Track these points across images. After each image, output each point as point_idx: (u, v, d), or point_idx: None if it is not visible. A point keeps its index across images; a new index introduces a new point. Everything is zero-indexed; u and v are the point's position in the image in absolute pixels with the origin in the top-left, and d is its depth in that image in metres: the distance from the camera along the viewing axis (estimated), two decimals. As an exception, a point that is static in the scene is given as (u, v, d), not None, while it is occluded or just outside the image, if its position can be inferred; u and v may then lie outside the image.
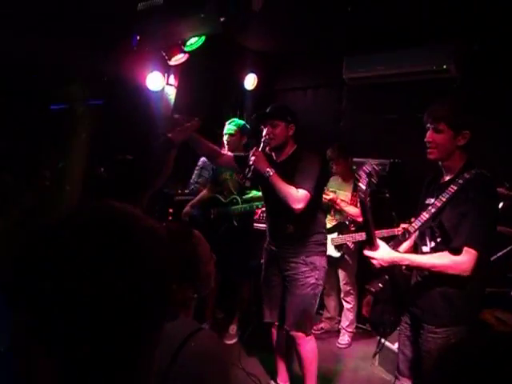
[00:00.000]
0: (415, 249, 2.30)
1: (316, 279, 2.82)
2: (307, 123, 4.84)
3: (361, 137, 4.67)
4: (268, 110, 2.83)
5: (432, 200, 2.11)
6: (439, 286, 2.03)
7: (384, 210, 3.74)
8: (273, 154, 2.90)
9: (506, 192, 3.33)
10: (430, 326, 2.03)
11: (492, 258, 3.41)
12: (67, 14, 3.10)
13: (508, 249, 3.25)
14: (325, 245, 2.93)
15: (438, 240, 2.04)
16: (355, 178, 3.87)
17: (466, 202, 1.93)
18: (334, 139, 4.41)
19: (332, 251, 3.82)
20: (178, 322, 1.27)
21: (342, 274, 4.06)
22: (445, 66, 4.01)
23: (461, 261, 1.89)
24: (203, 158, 4.17)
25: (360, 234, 3.67)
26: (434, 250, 2.06)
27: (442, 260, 1.94)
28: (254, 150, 2.71)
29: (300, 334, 2.84)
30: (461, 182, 1.98)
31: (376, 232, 2.19)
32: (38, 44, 3.54)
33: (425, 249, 2.13)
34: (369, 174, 2.01)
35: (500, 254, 3.26)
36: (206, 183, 4.25)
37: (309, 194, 2.60)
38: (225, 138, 3.86)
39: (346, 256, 3.95)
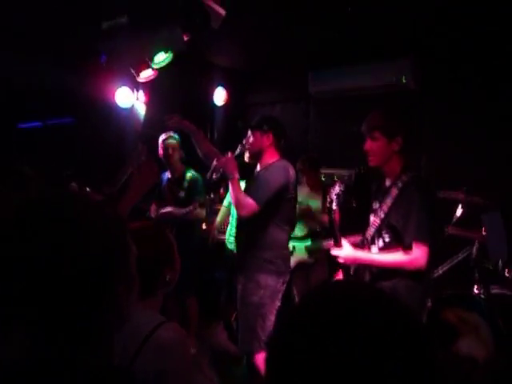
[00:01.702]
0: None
1: (260, 298, 2.63)
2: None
3: (328, 148, 4.83)
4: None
5: (377, 204, 2.26)
6: (389, 283, 2.14)
7: (351, 219, 3.85)
8: (258, 165, 2.89)
9: (463, 196, 3.49)
10: None
11: (453, 262, 3.57)
12: (33, 32, 3.14)
13: (466, 251, 3.40)
14: (274, 263, 2.70)
15: (387, 240, 2.18)
16: (324, 188, 4.03)
17: (408, 202, 2.10)
18: (303, 151, 4.54)
19: (305, 257, 3.94)
20: (147, 315, 1.38)
21: (314, 278, 4.15)
22: (404, 80, 4.21)
23: (415, 257, 2.04)
24: (161, 175, 4.19)
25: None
26: (383, 250, 2.18)
27: (399, 257, 2.08)
28: (228, 154, 2.78)
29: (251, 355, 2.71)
30: (400, 185, 2.14)
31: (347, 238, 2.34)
32: (6, 62, 3.57)
33: (374, 249, 2.25)
34: (338, 195, 2.24)
35: (460, 257, 3.40)
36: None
37: (254, 205, 2.59)
38: (168, 151, 3.91)
39: (319, 262, 4.07)
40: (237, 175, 2.69)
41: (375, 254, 2.21)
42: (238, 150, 2.84)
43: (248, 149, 2.83)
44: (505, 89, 3.84)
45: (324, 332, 0.57)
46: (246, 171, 2.92)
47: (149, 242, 1.49)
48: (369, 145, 2.22)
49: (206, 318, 4.24)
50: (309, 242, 3.99)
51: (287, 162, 2.83)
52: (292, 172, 2.78)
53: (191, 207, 3.84)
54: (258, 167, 2.89)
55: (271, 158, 2.82)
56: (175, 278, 1.57)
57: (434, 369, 0.60)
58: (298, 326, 0.60)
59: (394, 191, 2.16)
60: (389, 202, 2.16)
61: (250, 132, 2.84)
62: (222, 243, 4.26)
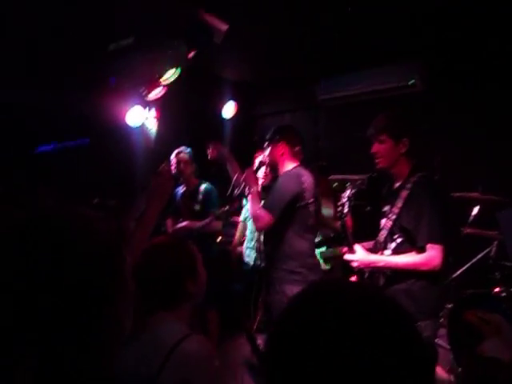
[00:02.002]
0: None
1: None
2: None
3: (339, 155, 4.84)
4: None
5: (388, 207, 2.25)
6: (402, 285, 2.13)
7: (366, 223, 3.84)
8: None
9: (479, 196, 3.46)
10: None
11: (472, 262, 3.53)
12: (45, 59, 3.25)
13: (486, 251, 3.35)
14: (299, 273, 2.67)
15: (398, 241, 2.16)
16: (335, 195, 4.02)
17: (418, 203, 2.09)
18: (315, 159, 4.55)
19: (322, 265, 3.92)
20: (172, 327, 1.41)
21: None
22: (412, 82, 4.20)
23: (430, 257, 2.03)
24: (175, 189, 4.24)
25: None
26: (395, 251, 2.17)
27: (414, 259, 2.07)
28: (247, 168, 2.88)
29: None
30: (409, 186, 2.13)
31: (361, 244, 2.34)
32: (20, 89, 3.69)
33: (387, 251, 2.23)
34: (349, 198, 2.28)
35: (479, 256, 3.36)
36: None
37: (268, 217, 2.58)
38: (180, 165, 3.97)
39: (335, 268, 4.05)
40: (256, 188, 2.75)
41: (389, 257, 2.19)
42: (257, 164, 2.97)
43: (267, 162, 2.92)
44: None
45: (309, 334, 0.58)
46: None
47: (169, 254, 1.52)
48: (376, 147, 2.24)
49: (227, 331, 4.24)
50: (323, 249, 3.97)
51: (302, 168, 2.83)
52: (306, 178, 2.75)
53: (207, 220, 3.85)
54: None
55: (288, 166, 2.84)
56: (199, 291, 1.57)
57: (425, 365, 0.60)
58: (287, 331, 0.62)
59: (404, 193, 2.15)
60: (399, 204, 2.15)
61: (267, 145, 2.91)
62: (240, 255, 4.28)
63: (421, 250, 2.06)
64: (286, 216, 2.65)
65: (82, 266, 0.71)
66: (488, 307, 2.95)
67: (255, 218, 2.68)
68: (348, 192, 2.29)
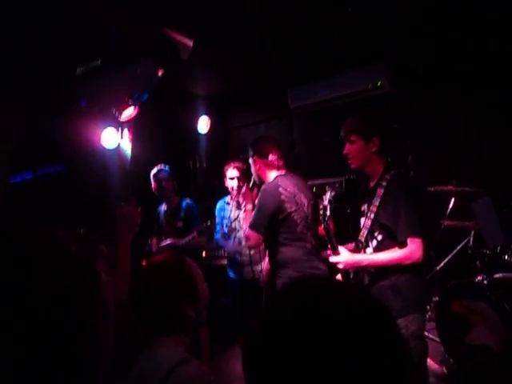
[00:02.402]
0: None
1: None
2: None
3: (316, 159, 4.90)
4: None
5: (365, 206, 2.30)
6: (386, 281, 2.16)
7: (347, 225, 3.88)
8: None
9: (454, 188, 3.54)
10: None
11: (453, 252, 3.60)
12: (15, 85, 3.22)
13: (464, 241, 3.43)
14: (293, 279, 2.79)
15: (379, 238, 2.20)
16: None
17: (394, 200, 2.13)
18: (292, 166, 4.58)
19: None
20: (169, 352, 1.34)
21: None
22: (379, 83, 4.31)
23: (412, 250, 2.06)
24: (158, 209, 4.23)
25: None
26: (377, 249, 2.20)
27: (396, 254, 2.10)
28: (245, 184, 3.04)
29: None
30: (384, 183, 2.17)
31: (344, 246, 2.36)
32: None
33: (368, 250, 2.26)
34: (330, 201, 2.28)
35: (459, 247, 3.43)
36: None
37: (254, 234, 2.67)
38: (161, 183, 3.94)
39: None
40: (249, 206, 2.93)
41: (373, 255, 2.22)
42: (252, 181, 3.06)
43: (254, 178, 3.00)
44: (478, 83, 3.93)
45: (285, 331, 0.59)
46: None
47: (166, 276, 1.43)
48: (347, 148, 2.28)
49: (219, 346, 4.21)
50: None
51: (283, 176, 2.84)
52: (284, 189, 2.74)
53: (190, 236, 3.84)
54: None
55: (270, 177, 2.87)
56: (200, 313, 1.47)
57: (402, 358, 0.61)
58: (264, 330, 0.63)
59: (380, 191, 2.19)
60: (376, 202, 2.19)
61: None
62: (224, 267, 4.28)
63: (402, 244, 2.09)
64: (272, 229, 2.72)
65: (50, 287, 0.66)
66: (472, 296, 3.01)
67: (246, 238, 2.83)
68: (328, 195, 2.32)
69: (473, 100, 3.96)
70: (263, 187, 2.80)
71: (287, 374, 0.57)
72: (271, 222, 2.68)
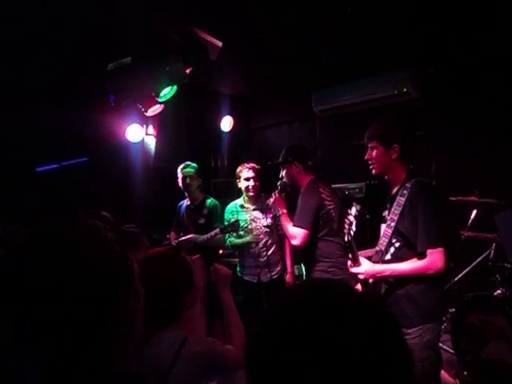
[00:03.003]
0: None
1: None
2: (285, 157, 5.09)
3: (337, 163, 4.88)
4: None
5: (386, 212, 2.28)
6: (403, 290, 2.15)
7: (365, 231, 3.86)
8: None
9: (476, 199, 3.50)
10: (402, 328, 2.12)
11: (472, 265, 3.55)
12: (44, 80, 3.32)
13: (485, 254, 3.38)
14: (331, 272, 2.95)
15: (397, 245, 2.19)
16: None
17: (414, 209, 2.11)
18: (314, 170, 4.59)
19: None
20: (171, 337, 1.43)
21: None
22: (405, 89, 4.27)
23: (433, 260, 2.04)
24: (179, 203, 4.28)
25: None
26: (394, 256, 2.19)
27: (417, 264, 2.08)
28: (275, 192, 3.18)
29: None
30: (405, 192, 2.16)
31: (362, 252, 2.37)
32: (22, 110, 3.75)
33: (387, 257, 2.25)
34: (356, 217, 2.27)
35: (479, 259, 3.38)
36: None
37: (301, 231, 2.85)
38: (186, 180, 3.98)
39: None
40: (284, 210, 3.06)
41: (394, 265, 2.20)
42: (279, 185, 3.19)
43: (285, 182, 3.16)
44: (505, 92, 3.86)
45: (287, 335, 0.60)
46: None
47: (167, 267, 1.50)
48: (368, 154, 2.30)
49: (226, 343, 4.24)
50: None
51: (317, 180, 3.07)
52: (323, 188, 3.00)
53: (213, 233, 3.87)
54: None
55: (305, 181, 3.08)
56: (195, 301, 1.57)
57: (404, 362, 0.62)
58: (265, 330, 0.65)
59: (401, 199, 2.17)
60: (396, 210, 2.17)
61: (281, 168, 3.19)
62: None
63: (421, 255, 2.07)
64: (314, 225, 2.92)
65: (95, 271, 0.75)
66: (490, 310, 2.97)
67: (292, 237, 2.94)
68: (354, 210, 2.31)
69: (499, 111, 3.89)
70: (304, 189, 3.02)
71: (286, 374, 0.58)
72: (314, 219, 2.88)
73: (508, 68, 3.84)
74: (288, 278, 3.88)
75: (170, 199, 4.33)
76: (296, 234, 2.88)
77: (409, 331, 2.09)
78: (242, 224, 3.90)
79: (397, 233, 2.18)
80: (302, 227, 2.86)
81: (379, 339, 0.61)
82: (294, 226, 2.91)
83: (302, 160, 3.09)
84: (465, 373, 3.08)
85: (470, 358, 3.04)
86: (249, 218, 3.90)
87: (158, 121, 4.56)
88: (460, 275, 3.65)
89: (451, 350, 3.25)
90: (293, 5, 3.19)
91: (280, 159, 3.19)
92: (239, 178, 3.89)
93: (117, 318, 0.77)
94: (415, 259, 2.09)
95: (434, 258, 2.04)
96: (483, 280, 3.29)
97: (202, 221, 4.04)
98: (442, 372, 3.12)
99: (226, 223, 3.86)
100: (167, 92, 3.65)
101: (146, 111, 3.83)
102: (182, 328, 1.49)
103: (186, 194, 4.10)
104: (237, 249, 3.98)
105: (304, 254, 3.11)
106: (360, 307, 0.64)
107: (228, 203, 4.52)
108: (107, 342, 0.76)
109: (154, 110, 3.84)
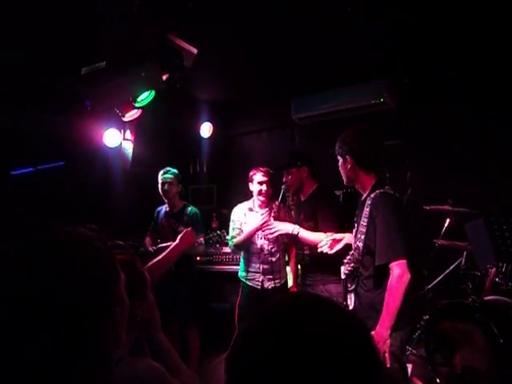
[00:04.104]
0: None
1: None
2: (264, 163, 5.09)
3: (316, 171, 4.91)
4: (284, 162, 3.29)
5: (355, 219, 2.32)
6: (368, 299, 2.17)
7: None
8: (301, 195, 3.28)
9: (450, 208, 3.56)
10: None
11: (444, 273, 3.61)
12: (19, 81, 3.26)
13: (457, 262, 3.44)
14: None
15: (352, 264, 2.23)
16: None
17: (374, 222, 2.13)
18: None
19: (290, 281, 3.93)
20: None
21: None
22: (382, 99, 4.34)
23: (398, 275, 2.02)
24: (158, 208, 4.24)
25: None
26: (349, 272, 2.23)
27: (391, 290, 2.05)
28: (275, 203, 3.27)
29: None
30: (369, 202, 2.17)
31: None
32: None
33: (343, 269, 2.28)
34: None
35: (451, 267, 3.43)
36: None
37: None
38: (164, 186, 3.94)
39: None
40: (297, 228, 2.98)
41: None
42: (283, 190, 3.28)
43: (290, 185, 3.23)
44: (481, 101, 3.96)
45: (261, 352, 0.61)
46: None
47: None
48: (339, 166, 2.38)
49: (208, 351, 4.20)
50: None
51: (324, 187, 3.22)
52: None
53: (198, 241, 3.83)
54: (302, 197, 3.28)
55: (311, 186, 3.21)
56: (147, 317, 1.47)
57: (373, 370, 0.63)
58: (244, 345, 0.65)
59: (366, 211, 2.18)
60: (364, 222, 2.18)
61: (284, 172, 3.25)
62: (217, 273, 4.29)
63: (377, 269, 2.10)
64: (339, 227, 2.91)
65: (83, 282, 0.75)
66: (462, 317, 3.01)
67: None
68: None
69: (473, 122, 3.98)
70: (324, 192, 3.20)
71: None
72: (338, 222, 2.93)
73: (483, 79, 3.93)
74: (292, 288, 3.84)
75: (147, 205, 4.30)
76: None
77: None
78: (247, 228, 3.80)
79: (366, 249, 2.19)
80: (334, 231, 2.68)
81: (358, 359, 0.61)
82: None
83: (311, 166, 3.19)
84: (437, 380, 3.12)
85: (441, 365, 3.08)
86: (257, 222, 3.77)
87: (136, 126, 4.51)
88: (434, 283, 3.71)
89: (423, 357, 3.29)
90: (273, 14, 3.22)
91: (287, 164, 3.23)
92: (252, 180, 3.77)
93: (101, 326, 0.78)
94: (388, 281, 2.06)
95: (399, 272, 2.02)
96: (456, 287, 3.35)
97: (181, 229, 3.96)
98: (414, 379, 3.16)
99: (211, 235, 3.84)
100: (145, 97, 3.63)
101: (124, 116, 3.79)
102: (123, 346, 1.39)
103: (166, 201, 4.07)
104: (242, 248, 3.81)
105: (313, 256, 3.05)
106: (343, 326, 0.65)
107: (206, 210, 4.49)
108: (92, 351, 0.76)
109: (132, 114, 3.80)
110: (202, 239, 3.81)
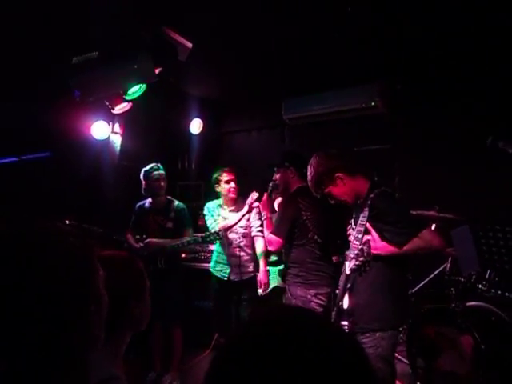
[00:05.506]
0: None
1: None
2: (253, 162, 5.09)
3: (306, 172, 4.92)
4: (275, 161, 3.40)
5: (352, 222, 2.33)
6: (362, 297, 2.18)
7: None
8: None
9: (436, 214, 3.58)
10: (359, 334, 2.16)
11: (429, 277, 3.63)
12: (6, 70, 3.19)
13: (441, 267, 3.47)
14: (301, 276, 3.06)
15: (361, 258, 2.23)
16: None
17: (381, 216, 2.18)
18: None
19: (279, 282, 3.93)
20: (101, 363, 1.19)
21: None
22: (373, 103, 4.35)
23: (430, 237, 2.14)
24: (138, 204, 4.16)
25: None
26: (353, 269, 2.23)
27: (418, 243, 2.13)
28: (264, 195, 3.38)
29: None
30: (369, 202, 2.20)
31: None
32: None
33: (347, 264, 2.28)
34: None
35: (436, 272, 3.46)
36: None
37: (277, 240, 3.06)
38: (160, 182, 3.88)
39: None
40: (268, 215, 3.29)
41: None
42: (270, 187, 3.39)
43: (278, 184, 3.32)
44: (471, 108, 3.99)
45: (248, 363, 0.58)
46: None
47: (116, 270, 1.36)
48: None
49: (193, 347, 4.18)
50: (281, 267, 3.97)
51: (302, 189, 3.07)
52: (302, 199, 3.06)
53: (187, 239, 3.80)
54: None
55: (295, 187, 3.22)
56: (143, 315, 1.43)
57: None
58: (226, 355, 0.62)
59: (366, 210, 2.20)
60: (363, 222, 2.19)
61: (276, 170, 3.34)
62: (204, 271, 4.25)
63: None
64: (289, 234, 3.09)
65: (56, 278, 0.72)
66: (444, 322, 3.04)
67: (269, 243, 3.18)
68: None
69: (462, 128, 4.02)
70: (284, 199, 3.26)
71: None
72: (290, 228, 3.06)
73: (473, 86, 3.97)
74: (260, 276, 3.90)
75: (134, 199, 4.22)
76: (272, 241, 3.09)
77: (364, 340, 2.11)
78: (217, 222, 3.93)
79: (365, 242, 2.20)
80: (278, 236, 3.04)
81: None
82: (272, 233, 3.08)
83: (298, 167, 3.19)
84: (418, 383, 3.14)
85: (423, 370, 3.10)
86: (226, 217, 3.93)
87: (125, 119, 4.45)
88: (418, 287, 3.73)
89: (406, 361, 3.31)
90: (267, 14, 3.20)
91: (277, 162, 3.33)
92: (219, 182, 3.92)
93: (72, 324, 0.74)
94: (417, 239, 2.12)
95: (428, 237, 2.12)
96: (439, 293, 3.38)
97: (169, 225, 3.89)
98: (397, 382, 3.18)
99: (208, 233, 3.80)
100: (135, 90, 3.58)
101: (113, 108, 3.74)
102: (114, 352, 1.32)
103: (151, 197, 3.98)
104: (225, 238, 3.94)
105: (285, 257, 3.32)
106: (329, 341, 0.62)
107: (195, 207, 4.46)
108: (61, 350, 0.72)
109: (121, 107, 3.75)
110: (187, 238, 3.81)
